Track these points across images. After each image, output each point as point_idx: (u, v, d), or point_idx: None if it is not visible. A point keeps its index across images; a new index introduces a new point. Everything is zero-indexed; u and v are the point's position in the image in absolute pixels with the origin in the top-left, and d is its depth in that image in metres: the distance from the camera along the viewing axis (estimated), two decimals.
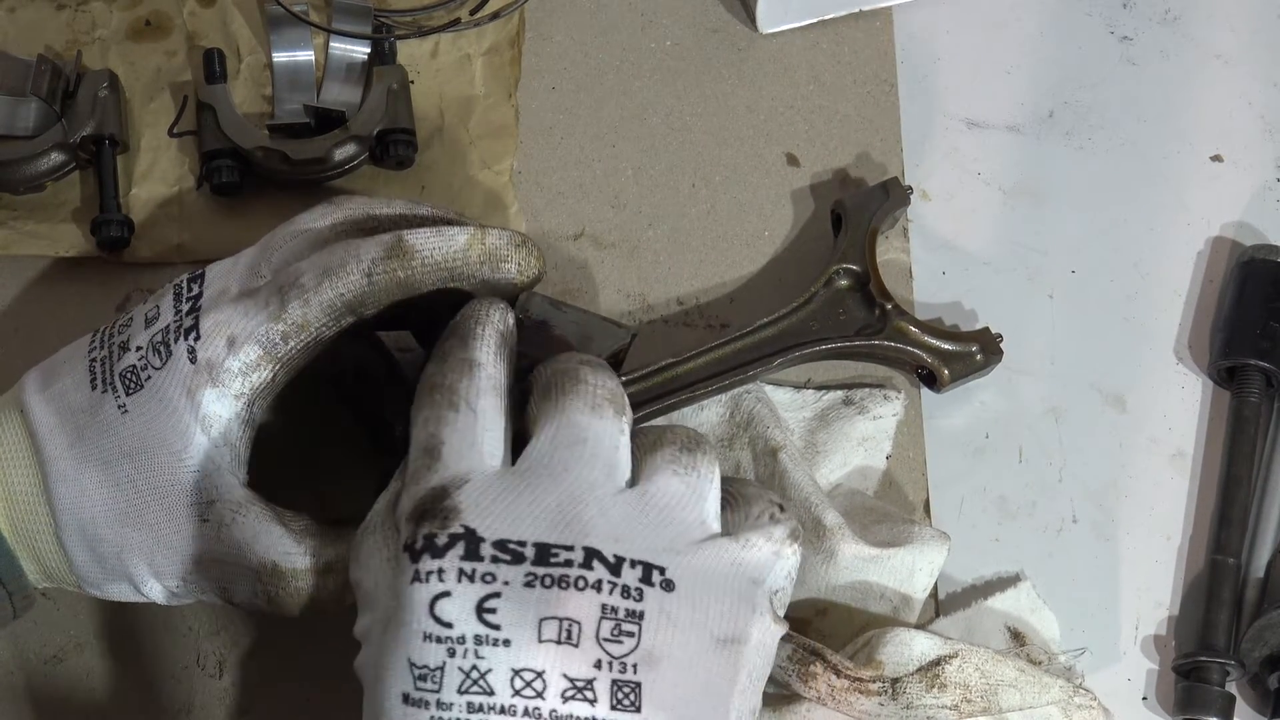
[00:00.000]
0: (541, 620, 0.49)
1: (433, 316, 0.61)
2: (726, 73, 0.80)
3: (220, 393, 0.57)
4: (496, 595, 0.49)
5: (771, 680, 0.58)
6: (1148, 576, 0.70)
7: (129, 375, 0.58)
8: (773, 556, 0.54)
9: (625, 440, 0.54)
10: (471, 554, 0.50)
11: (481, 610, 0.49)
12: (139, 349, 0.58)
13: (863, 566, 0.65)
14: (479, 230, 0.58)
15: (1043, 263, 0.77)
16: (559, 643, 0.49)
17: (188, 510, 0.58)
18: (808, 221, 0.76)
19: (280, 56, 0.77)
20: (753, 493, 0.55)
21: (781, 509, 0.55)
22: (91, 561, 0.59)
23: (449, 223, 0.60)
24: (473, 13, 0.78)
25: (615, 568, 0.50)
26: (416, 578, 0.50)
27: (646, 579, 0.51)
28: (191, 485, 0.57)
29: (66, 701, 0.65)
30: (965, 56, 0.82)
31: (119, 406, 0.58)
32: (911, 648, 0.62)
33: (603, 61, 0.80)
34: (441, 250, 0.58)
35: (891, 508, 0.69)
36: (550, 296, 0.64)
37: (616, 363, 0.66)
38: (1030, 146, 0.80)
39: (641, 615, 0.50)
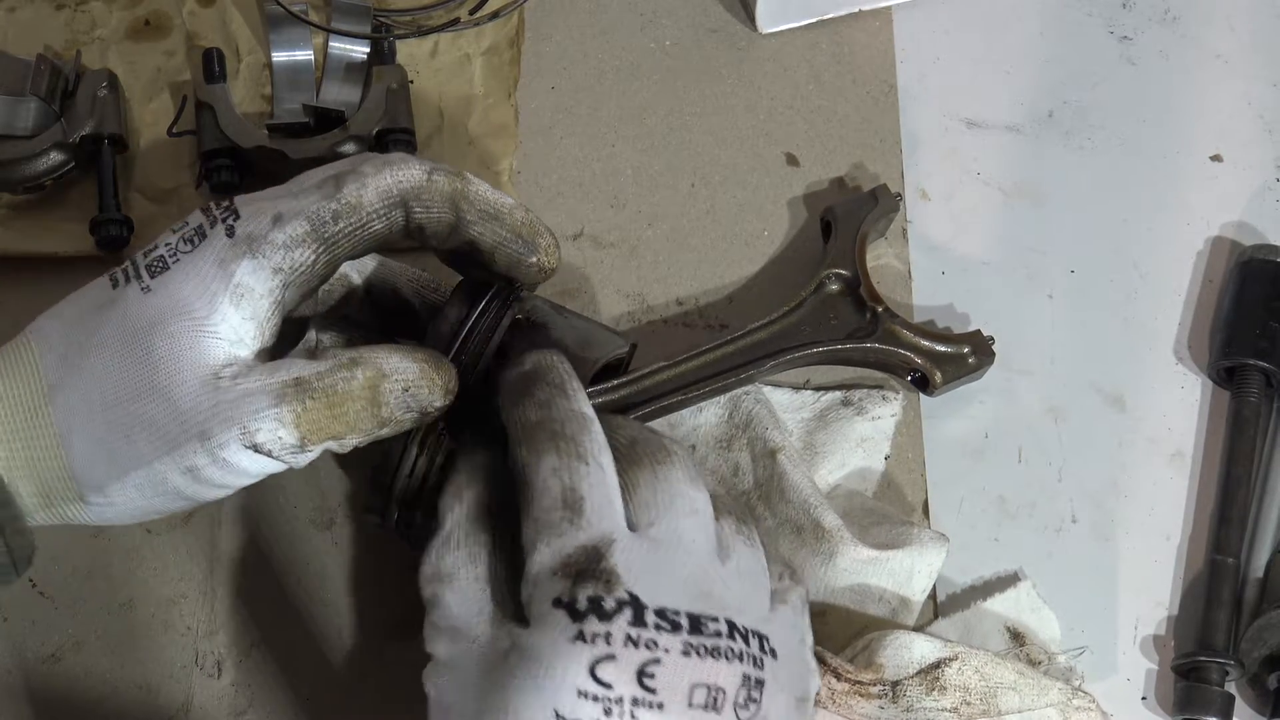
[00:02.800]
0: (694, 687, 0.51)
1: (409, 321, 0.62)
2: (726, 73, 0.80)
3: (258, 264, 0.57)
4: (657, 662, 0.51)
5: None
6: (1147, 576, 0.70)
7: (157, 264, 0.58)
8: (803, 614, 0.57)
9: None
10: (638, 620, 0.51)
11: (642, 675, 0.50)
12: (168, 244, 0.58)
13: (861, 569, 0.65)
14: (524, 206, 0.60)
15: (1042, 263, 0.76)
16: (705, 709, 0.51)
17: (204, 371, 0.56)
18: (807, 221, 0.76)
19: (280, 56, 0.77)
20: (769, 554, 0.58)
21: (791, 569, 0.58)
22: (97, 455, 0.57)
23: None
24: (472, 13, 0.78)
25: (747, 638, 0.52)
26: (580, 638, 0.51)
27: (764, 648, 0.53)
28: (211, 350, 0.56)
29: (66, 701, 0.65)
30: (965, 56, 0.82)
31: (142, 289, 0.57)
32: (911, 650, 0.62)
33: (603, 61, 0.80)
34: (493, 199, 0.60)
35: (890, 509, 0.69)
36: (553, 301, 0.64)
37: (617, 372, 0.66)
38: (1030, 146, 0.79)
39: (763, 684, 0.52)
